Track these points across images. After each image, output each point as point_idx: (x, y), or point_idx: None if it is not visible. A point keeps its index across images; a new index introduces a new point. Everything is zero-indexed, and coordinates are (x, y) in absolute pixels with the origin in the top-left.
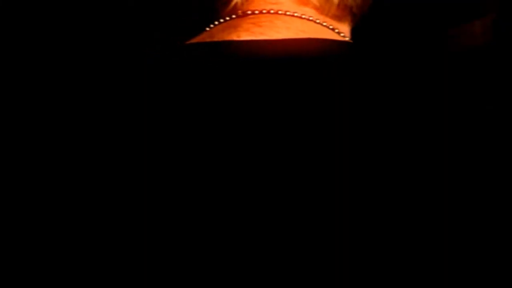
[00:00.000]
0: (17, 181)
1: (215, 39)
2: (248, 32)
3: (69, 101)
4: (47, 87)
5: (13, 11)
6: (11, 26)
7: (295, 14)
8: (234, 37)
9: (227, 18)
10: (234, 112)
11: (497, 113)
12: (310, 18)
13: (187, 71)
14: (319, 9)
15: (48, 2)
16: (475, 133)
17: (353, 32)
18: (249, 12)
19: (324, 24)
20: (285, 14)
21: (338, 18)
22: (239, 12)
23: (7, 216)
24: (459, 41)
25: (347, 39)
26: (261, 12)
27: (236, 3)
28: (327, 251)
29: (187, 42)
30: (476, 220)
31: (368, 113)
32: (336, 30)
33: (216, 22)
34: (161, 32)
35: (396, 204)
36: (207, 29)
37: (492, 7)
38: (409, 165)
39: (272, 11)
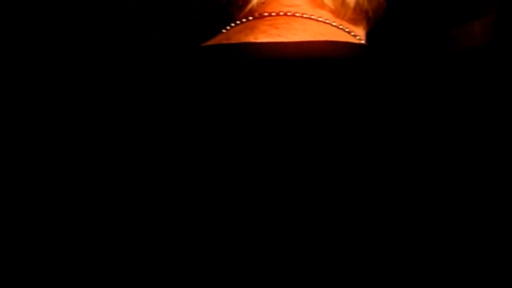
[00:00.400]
0: (17, 181)
1: (232, 41)
2: (265, 34)
3: (78, 102)
4: (53, 87)
5: (13, 11)
6: (11, 26)
7: (312, 17)
8: (251, 39)
9: (244, 20)
10: (252, 113)
11: (497, 113)
12: (327, 21)
13: (206, 73)
14: (335, 13)
15: (48, 2)
16: (475, 133)
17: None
18: (265, 14)
19: (340, 27)
20: (301, 17)
21: (354, 21)
22: (256, 14)
23: (7, 216)
24: (459, 42)
25: (363, 42)
26: (277, 14)
27: (253, 6)
28: (327, 251)
29: (204, 44)
30: (476, 220)
31: (379, 114)
32: (352, 33)
33: (233, 24)
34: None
35: (399, 204)
36: (223, 31)
37: (492, 7)
38: (411, 164)
39: (289, 13)
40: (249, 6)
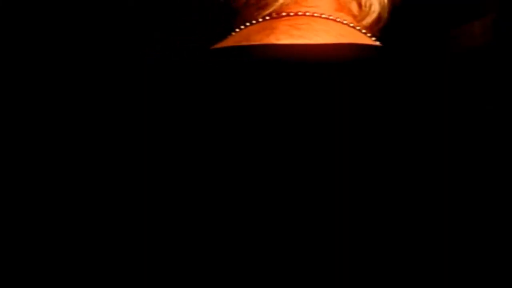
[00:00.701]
0: (17, 182)
1: (253, 42)
2: (287, 34)
3: (88, 102)
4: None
5: (13, 11)
6: (11, 26)
7: (331, 17)
8: (273, 40)
9: (260, 20)
10: (280, 116)
11: (497, 113)
12: (344, 22)
13: (229, 74)
14: (354, 16)
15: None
16: (476, 133)
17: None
18: (284, 14)
19: (358, 28)
20: (320, 17)
21: (371, 28)
22: (273, 14)
23: (7, 216)
24: (459, 42)
25: (379, 44)
26: (296, 14)
27: (276, 7)
28: (327, 252)
29: (221, 45)
30: (476, 220)
31: (403, 116)
32: (368, 35)
33: (248, 24)
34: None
35: (400, 204)
36: (237, 30)
37: (492, 7)
38: (411, 165)
39: (307, 14)
40: (273, 7)
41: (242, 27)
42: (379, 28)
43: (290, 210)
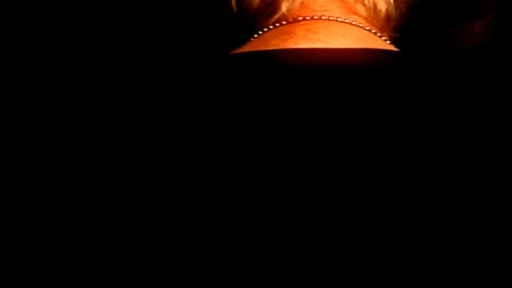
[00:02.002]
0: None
1: (271, 47)
2: (305, 39)
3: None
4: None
5: (14, 12)
6: (13, 27)
7: (346, 21)
8: (291, 44)
9: (277, 25)
10: (299, 120)
11: (497, 113)
12: (360, 25)
13: (249, 80)
14: (368, 19)
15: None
16: (476, 133)
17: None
18: (300, 18)
19: (373, 31)
20: (336, 21)
21: (382, 28)
22: (290, 18)
23: (7, 216)
24: (459, 41)
25: (394, 48)
26: (312, 18)
27: (283, 13)
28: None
29: (238, 51)
30: (476, 220)
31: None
32: (383, 38)
33: (265, 29)
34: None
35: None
36: (255, 36)
37: (492, 7)
38: (413, 164)
39: (323, 17)
40: (279, 14)
41: (260, 32)
42: (392, 28)
43: (296, 211)
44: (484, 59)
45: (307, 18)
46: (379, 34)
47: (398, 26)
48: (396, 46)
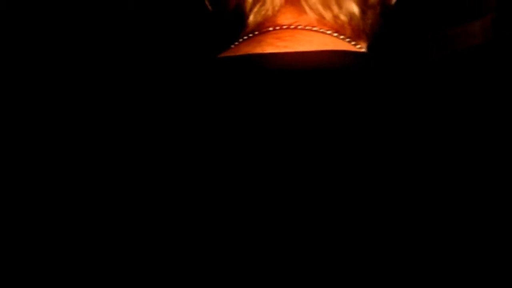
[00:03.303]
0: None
1: (241, 53)
2: (272, 46)
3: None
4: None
5: (14, 12)
6: (13, 28)
7: (314, 29)
8: (259, 51)
9: (250, 35)
10: (258, 122)
11: (497, 113)
12: (328, 32)
13: (219, 82)
14: (337, 27)
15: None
16: (475, 133)
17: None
18: (270, 28)
19: (341, 37)
20: (304, 29)
21: (354, 36)
22: (262, 29)
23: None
24: (459, 41)
25: (364, 50)
26: (281, 28)
27: (257, 21)
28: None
29: (219, 56)
30: (476, 220)
31: (382, 120)
32: (353, 43)
33: (240, 39)
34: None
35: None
36: (232, 46)
37: (492, 7)
38: (412, 164)
39: (292, 27)
40: (250, 26)
41: (237, 43)
42: (369, 34)
43: (280, 214)
44: (484, 59)
45: (277, 28)
46: (348, 40)
47: (375, 33)
48: (375, 51)
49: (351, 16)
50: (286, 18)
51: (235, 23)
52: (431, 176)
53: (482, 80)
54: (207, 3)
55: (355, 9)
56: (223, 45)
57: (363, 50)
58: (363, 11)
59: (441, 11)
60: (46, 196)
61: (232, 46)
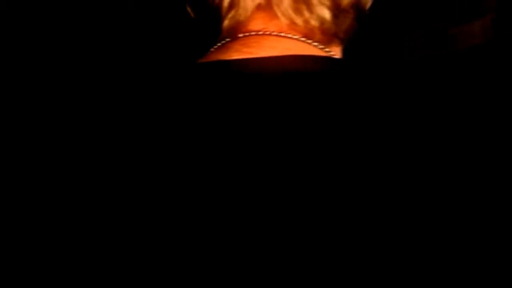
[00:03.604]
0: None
1: (211, 59)
2: (238, 52)
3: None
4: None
5: (14, 12)
6: (12, 29)
7: (281, 34)
8: (226, 57)
9: (223, 42)
10: (217, 125)
11: (497, 113)
12: (295, 37)
13: (181, 88)
14: (306, 33)
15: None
16: (475, 132)
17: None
18: (240, 35)
19: (308, 42)
20: (271, 35)
21: (326, 40)
22: (234, 35)
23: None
24: (459, 41)
25: (334, 55)
26: (250, 35)
27: (230, 27)
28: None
29: (196, 62)
30: (476, 220)
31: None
32: (320, 46)
33: (216, 46)
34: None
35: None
36: (212, 49)
37: (492, 7)
38: (408, 164)
39: (259, 33)
40: (222, 34)
41: (212, 50)
42: (341, 39)
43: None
44: (484, 59)
45: (246, 34)
46: (315, 44)
47: (347, 37)
48: (350, 55)
49: (322, 20)
50: (257, 24)
51: (213, 29)
52: (413, 179)
53: (481, 79)
54: (189, 10)
55: (326, 13)
56: (204, 50)
57: (333, 54)
58: (335, 15)
59: (416, 11)
60: (41, 195)
61: (209, 52)
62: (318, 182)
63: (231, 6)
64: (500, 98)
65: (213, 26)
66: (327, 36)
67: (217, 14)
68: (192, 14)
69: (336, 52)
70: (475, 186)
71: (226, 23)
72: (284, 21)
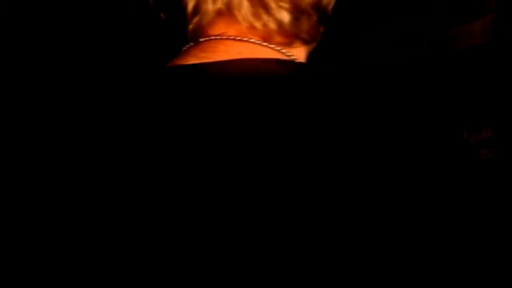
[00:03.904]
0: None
1: (173, 63)
2: (194, 57)
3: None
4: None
5: (14, 12)
6: (11, 29)
7: (237, 38)
8: (184, 62)
9: (188, 46)
10: (174, 126)
11: (497, 113)
12: (251, 41)
13: (141, 92)
14: (264, 37)
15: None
16: (475, 132)
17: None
18: (201, 40)
19: (265, 44)
20: (228, 39)
21: (287, 43)
22: (196, 39)
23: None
24: (459, 41)
25: (293, 56)
26: (210, 39)
27: (194, 31)
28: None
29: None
30: (475, 220)
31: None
32: (278, 48)
33: (182, 50)
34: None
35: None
36: (179, 54)
37: (492, 7)
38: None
39: (218, 37)
40: (188, 37)
41: (180, 53)
42: (306, 41)
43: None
44: (484, 58)
45: (206, 39)
46: (273, 46)
47: (312, 39)
48: (310, 57)
49: (280, 23)
50: (218, 28)
51: (180, 33)
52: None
53: (481, 79)
54: (162, 15)
55: (285, 16)
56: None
57: (292, 55)
58: (295, 17)
59: (378, 11)
60: (38, 195)
61: (177, 55)
62: (276, 185)
63: (195, 11)
64: (500, 98)
65: (180, 30)
66: (287, 38)
67: (183, 19)
68: (164, 18)
69: (298, 53)
70: (474, 186)
71: (190, 27)
72: (244, 25)
